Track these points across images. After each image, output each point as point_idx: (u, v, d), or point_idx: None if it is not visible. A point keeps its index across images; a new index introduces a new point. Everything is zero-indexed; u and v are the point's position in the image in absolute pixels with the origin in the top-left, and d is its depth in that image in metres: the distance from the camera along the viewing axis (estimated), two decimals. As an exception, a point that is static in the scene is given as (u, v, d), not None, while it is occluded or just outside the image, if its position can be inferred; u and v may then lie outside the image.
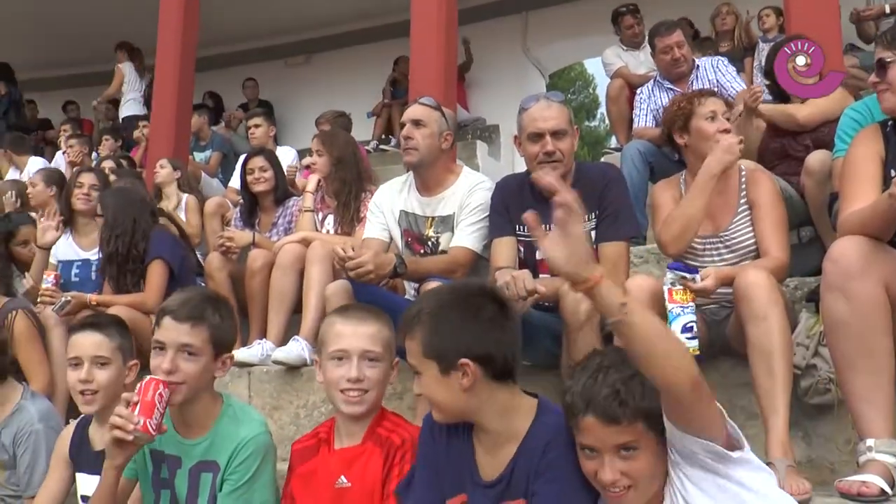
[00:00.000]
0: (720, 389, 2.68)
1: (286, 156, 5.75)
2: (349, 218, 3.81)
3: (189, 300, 2.21)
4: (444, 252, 3.03)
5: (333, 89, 9.67)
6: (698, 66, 4.65)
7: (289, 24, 10.09)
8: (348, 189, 3.86)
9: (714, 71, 4.60)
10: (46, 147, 9.28)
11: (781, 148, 3.68)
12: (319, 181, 4.09)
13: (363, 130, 8.04)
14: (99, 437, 2.47)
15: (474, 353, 1.80)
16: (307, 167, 4.38)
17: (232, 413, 2.23)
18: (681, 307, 2.38)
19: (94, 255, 4.05)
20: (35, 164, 6.88)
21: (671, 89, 4.54)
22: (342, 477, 2.10)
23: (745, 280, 2.33)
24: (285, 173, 4.68)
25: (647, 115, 4.64)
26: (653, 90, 4.68)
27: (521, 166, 3.49)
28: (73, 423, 2.63)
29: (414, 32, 5.48)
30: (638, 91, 4.82)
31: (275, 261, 3.65)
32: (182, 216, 5.13)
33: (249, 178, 4.37)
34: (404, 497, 2.00)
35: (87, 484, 2.44)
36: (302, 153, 5.89)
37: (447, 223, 3.05)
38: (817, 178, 3.24)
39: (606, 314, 1.61)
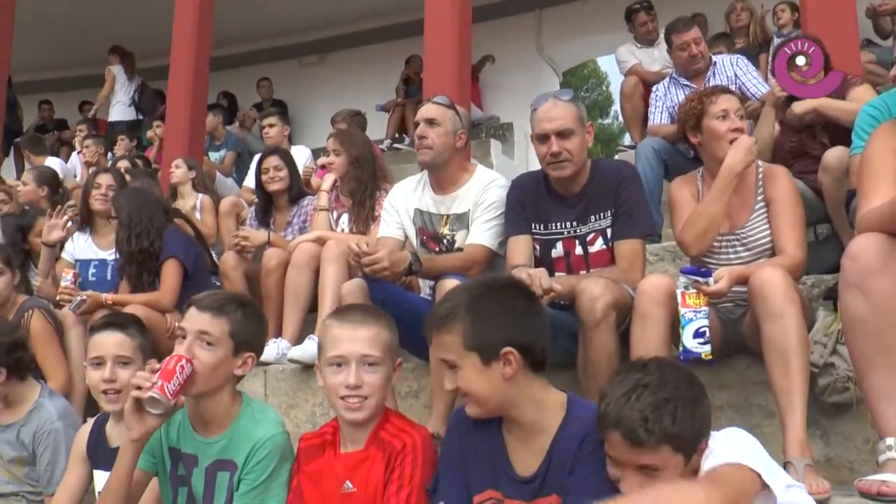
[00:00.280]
0: (736, 388, 2.68)
1: (300, 155, 5.76)
2: (364, 217, 3.82)
3: (215, 294, 2.27)
4: (459, 250, 3.03)
5: (347, 88, 9.70)
6: (715, 62, 4.63)
7: (303, 24, 10.13)
8: (364, 188, 3.87)
9: (733, 67, 4.58)
10: (62, 147, 9.30)
11: (799, 146, 3.64)
12: (335, 180, 4.10)
13: (375, 128, 8.05)
14: (116, 435, 2.48)
15: (518, 342, 1.84)
16: (322, 166, 4.38)
17: (250, 412, 2.23)
18: (693, 311, 2.37)
19: (110, 255, 4.07)
20: (52, 164, 6.91)
21: (687, 86, 4.52)
22: (348, 482, 2.08)
23: (760, 278, 2.31)
24: (300, 173, 4.69)
25: (662, 113, 4.61)
26: (669, 87, 4.66)
27: (535, 164, 3.49)
28: (91, 421, 2.64)
29: (428, 31, 5.49)
30: (654, 88, 4.80)
31: (290, 260, 3.67)
32: (197, 216, 5.16)
33: (264, 177, 4.39)
34: (432, 498, 2.00)
35: (104, 481, 2.43)
36: (316, 152, 5.92)
37: (462, 221, 3.05)
38: (835, 175, 3.21)
39: None
